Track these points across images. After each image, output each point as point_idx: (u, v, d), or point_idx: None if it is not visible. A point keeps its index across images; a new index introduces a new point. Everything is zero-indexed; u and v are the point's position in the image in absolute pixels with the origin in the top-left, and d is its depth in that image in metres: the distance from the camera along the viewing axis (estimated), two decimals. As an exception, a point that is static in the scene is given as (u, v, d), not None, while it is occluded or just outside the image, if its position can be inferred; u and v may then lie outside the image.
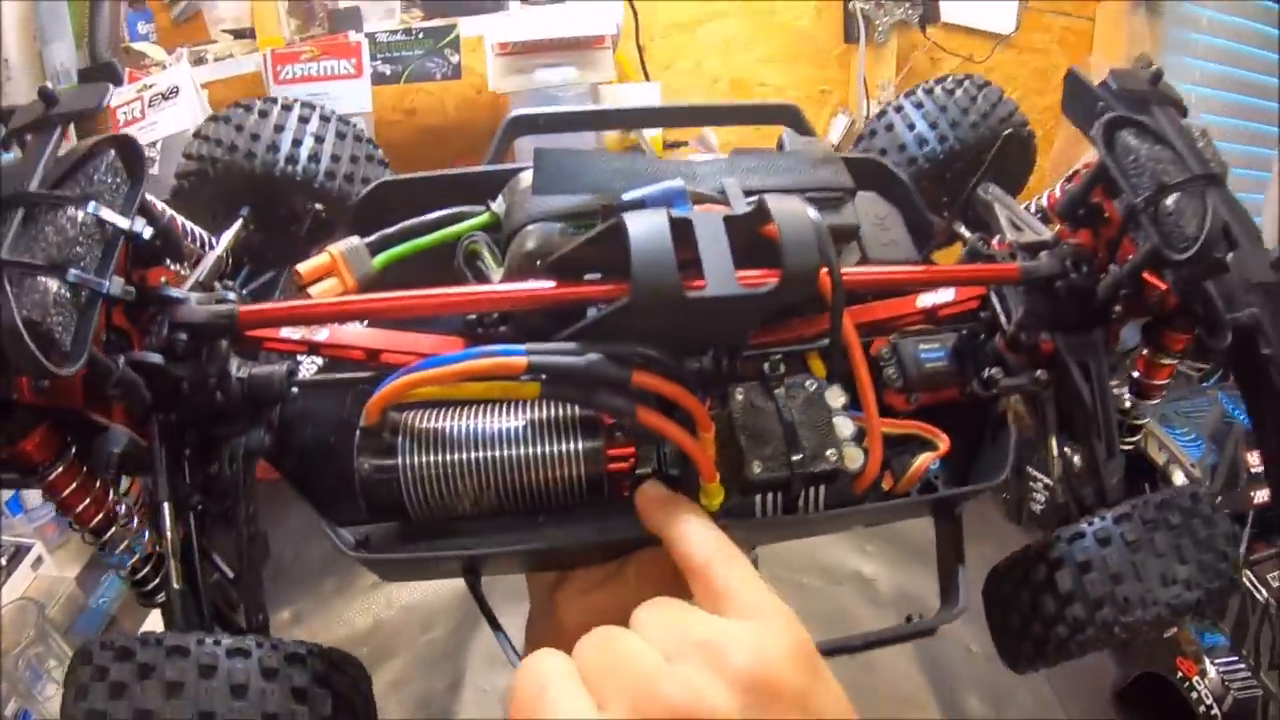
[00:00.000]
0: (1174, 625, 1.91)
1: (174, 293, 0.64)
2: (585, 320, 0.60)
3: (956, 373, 0.75)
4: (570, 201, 0.67)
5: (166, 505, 0.63)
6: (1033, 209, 0.88)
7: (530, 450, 0.63)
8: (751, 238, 0.59)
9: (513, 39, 2.45)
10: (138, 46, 2.52)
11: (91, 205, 0.58)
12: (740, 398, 0.65)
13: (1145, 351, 0.81)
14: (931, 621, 0.69)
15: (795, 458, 0.63)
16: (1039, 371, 0.76)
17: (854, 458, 0.64)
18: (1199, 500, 0.76)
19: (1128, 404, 0.85)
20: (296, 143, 0.89)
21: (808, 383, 0.66)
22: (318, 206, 0.91)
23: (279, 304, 0.68)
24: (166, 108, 2.30)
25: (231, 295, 0.67)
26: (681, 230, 0.56)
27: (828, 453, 0.64)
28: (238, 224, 0.88)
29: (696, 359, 0.63)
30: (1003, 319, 0.76)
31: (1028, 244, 0.79)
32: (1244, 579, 2.06)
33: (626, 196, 0.61)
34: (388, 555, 0.66)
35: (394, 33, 2.51)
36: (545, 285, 0.63)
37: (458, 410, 0.65)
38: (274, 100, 0.92)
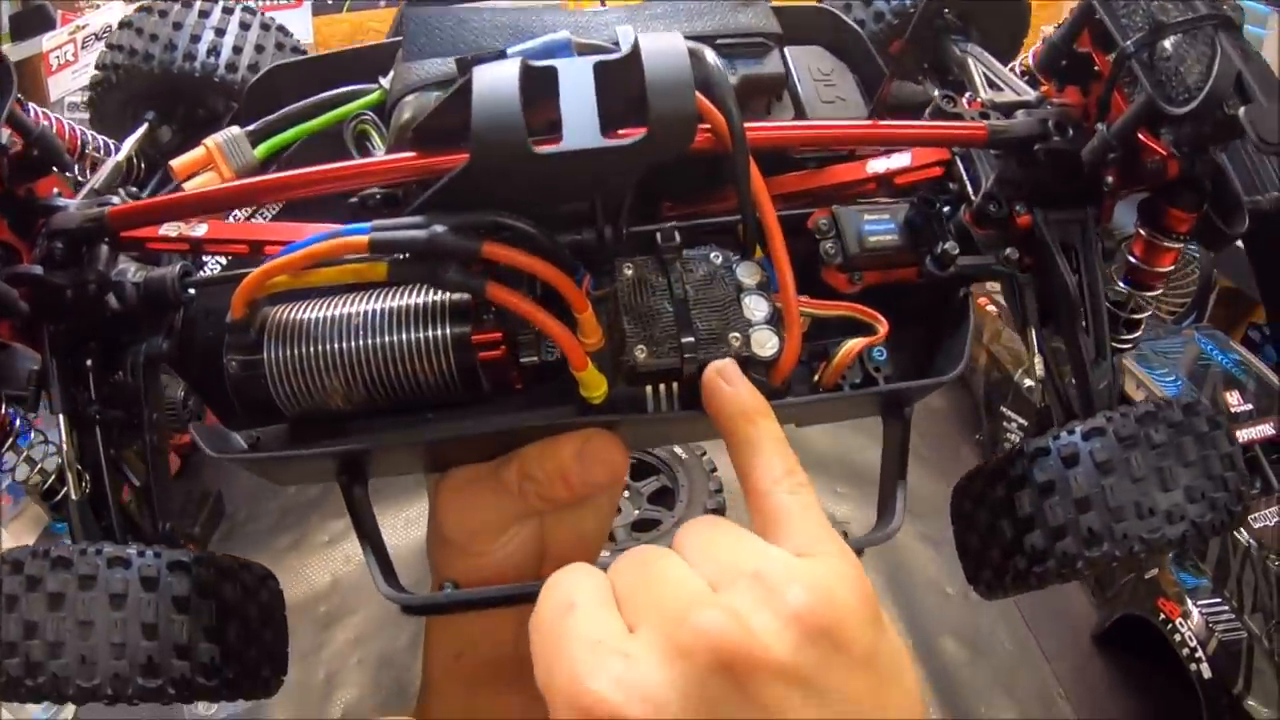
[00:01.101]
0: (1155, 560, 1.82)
1: (56, 202, 0.61)
2: (432, 189, 0.52)
3: (909, 249, 0.62)
4: (448, 66, 0.59)
5: (62, 417, 0.61)
6: (1018, 71, 0.74)
7: (392, 339, 0.56)
8: (638, 88, 0.50)
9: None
10: (72, -13, 2.40)
11: None
12: (629, 273, 0.56)
13: (1143, 231, 0.67)
14: (861, 540, 0.58)
15: (686, 340, 0.54)
16: (1008, 250, 0.62)
17: (765, 343, 0.55)
18: (1195, 413, 0.62)
19: (1123, 295, 0.71)
20: (195, 38, 0.82)
21: (713, 255, 0.57)
22: (235, 104, 0.83)
23: (148, 201, 0.63)
24: (99, 48, 2.17)
25: (116, 199, 0.63)
26: (542, 82, 0.51)
27: (730, 336, 0.55)
28: (141, 129, 0.82)
29: (577, 230, 0.54)
30: (969, 188, 0.63)
31: (1004, 103, 0.65)
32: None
33: (508, 52, 0.54)
34: (256, 455, 0.60)
35: (334, -44, 2.39)
36: (405, 156, 0.57)
37: (329, 300, 0.58)
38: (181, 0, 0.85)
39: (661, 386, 0.56)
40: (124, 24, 0.85)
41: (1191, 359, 2.28)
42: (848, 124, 0.61)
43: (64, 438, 0.62)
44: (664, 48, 0.50)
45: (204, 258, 0.66)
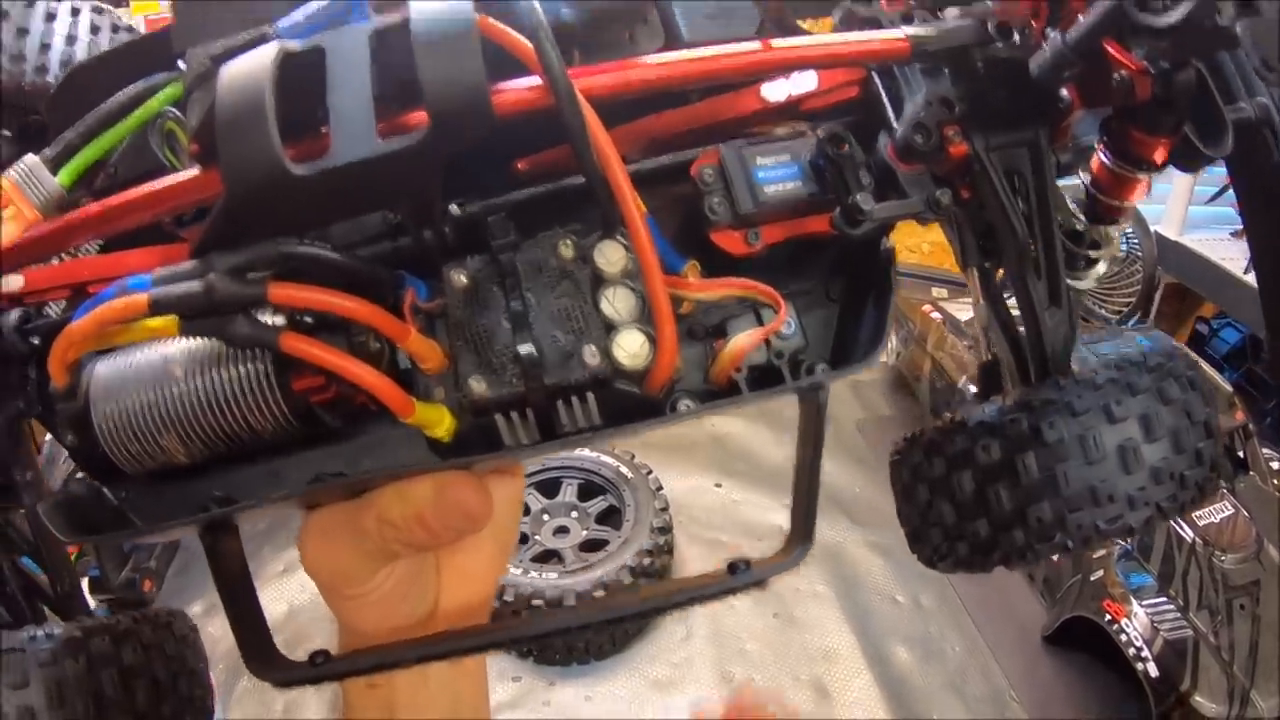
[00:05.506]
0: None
1: None
2: (204, 228, 0.41)
3: (817, 195, 0.46)
4: (224, 46, 0.45)
5: None
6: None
7: (205, 384, 0.46)
8: None
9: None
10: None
11: None
12: (461, 282, 0.43)
13: (1106, 160, 0.50)
14: (764, 570, 0.47)
15: (527, 359, 0.42)
16: (939, 192, 0.46)
17: (633, 350, 0.43)
18: (1167, 375, 0.51)
19: (1079, 227, 0.55)
20: None
21: (561, 245, 0.43)
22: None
23: None
24: None
25: None
26: (306, 68, 0.39)
27: (585, 351, 0.43)
28: None
29: (393, 237, 0.44)
30: (890, 114, 0.46)
31: None
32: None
33: (283, 25, 0.43)
34: (103, 536, 0.50)
35: (269, -5, 2.24)
36: (189, 176, 0.44)
37: (145, 349, 0.48)
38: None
39: (514, 414, 0.44)
40: None
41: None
42: (725, 53, 0.44)
43: None
44: (438, 14, 0.38)
45: None
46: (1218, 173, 0.55)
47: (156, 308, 0.41)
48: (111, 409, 0.46)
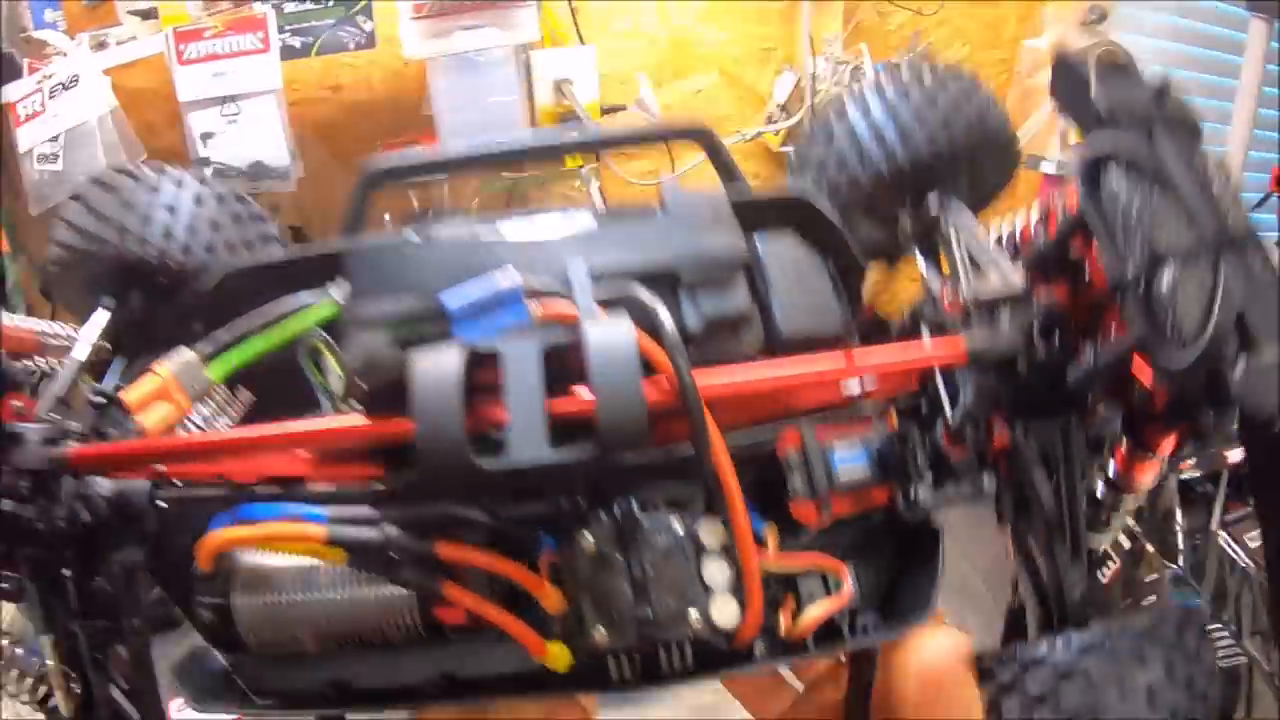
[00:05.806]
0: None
1: (15, 428, 0.55)
2: (391, 486, 0.50)
3: (881, 480, 0.55)
4: (394, 307, 0.52)
5: (47, 638, 0.58)
6: (1004, 236, 0.65)
7: (354, 594, 0.53)
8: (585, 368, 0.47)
9: (429, -1, 2.20)
10: (39, 35, 2.31)
11: None
12: (588, 546, 0.50)
13: (1125, 445, 0.59)
14: None
15: (644, 619, 0.50)
16: (985, 478, 0.54)
17: (726, 613, 0.50)
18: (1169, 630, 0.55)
19: (1098, 493, 0.63)
20: (146, 219, 0.74)
21: (674, 523, 0.51)
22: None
23: (111, 449, 0.57)
24: (67, 98, 2.13)
25: (76, 424, 0.58)
26: (483, 363, 0.47)
27: (690, 614, 0.50)
28: (100, 319, 0.74)
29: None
30: (946, 405, 0.55)
31: (987, 299, 0.56)
32: (1221, 541, 1.90)
33: (450, 305, 0.49)
34: (234, 708, 0.56)
35: (302, 0, 2.27)
36: (356, 423, 0.51)
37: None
38: (131, 174, 0.77)
39: (624, 657, 0.52)
40: (75, 197, 0.76)
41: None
42: (816, 369, 0.53)
43: (51, 657, 0.58)
44: (613, 354, 0.46)
45: None
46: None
47: (333, 542, 0.48)
48: (252, 601, 0.52)
